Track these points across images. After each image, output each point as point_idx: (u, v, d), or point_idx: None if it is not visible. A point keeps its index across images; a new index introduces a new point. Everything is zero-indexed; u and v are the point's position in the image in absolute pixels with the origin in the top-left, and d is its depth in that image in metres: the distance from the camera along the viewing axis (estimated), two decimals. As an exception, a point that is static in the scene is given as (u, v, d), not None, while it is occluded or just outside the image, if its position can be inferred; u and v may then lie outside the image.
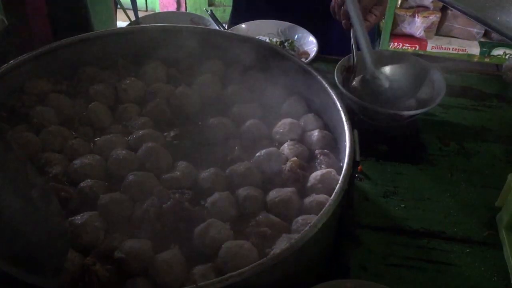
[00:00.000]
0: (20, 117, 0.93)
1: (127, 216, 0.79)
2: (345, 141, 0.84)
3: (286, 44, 1.30)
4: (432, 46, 3.50)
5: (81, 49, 1.05)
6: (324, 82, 0.94)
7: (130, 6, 1.31)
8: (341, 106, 0.88)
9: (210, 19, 1.35)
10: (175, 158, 0.90)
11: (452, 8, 1.54)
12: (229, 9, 1.64)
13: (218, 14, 4.06)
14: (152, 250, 0.74)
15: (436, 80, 1.13)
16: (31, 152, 0.86)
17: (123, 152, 0.87)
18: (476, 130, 1.15)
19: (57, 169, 0.82)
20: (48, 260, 0.57)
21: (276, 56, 1.04)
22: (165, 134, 0.96)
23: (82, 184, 0.82)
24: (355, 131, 0.85)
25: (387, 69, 1.11)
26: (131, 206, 0.80)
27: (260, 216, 0.80)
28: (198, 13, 3.90)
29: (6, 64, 0.95)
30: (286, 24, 1.34)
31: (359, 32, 1.08)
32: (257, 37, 1.29)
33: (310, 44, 1.28)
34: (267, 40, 1.30)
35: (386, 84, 1.09)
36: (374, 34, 1.68)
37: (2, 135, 0.86)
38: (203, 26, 1.26)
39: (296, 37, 1.32)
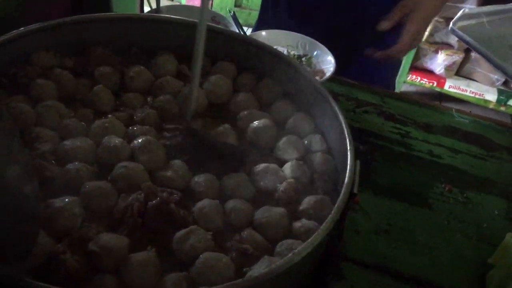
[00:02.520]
0: (20, 87, 0.91)
1: (109, 207, 0.76)
2: (346, 170, 0.81)
3: (303, 59, 1.27)
4: (450, 85, 3.47)
5: (94, 29, 1.02)
6: (334, 106, 0.91)
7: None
8: (347, 134, 0.85)
9: (231, 20, 1.32)
10: (172, 157, 0.87)
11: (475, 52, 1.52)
12: (254, 13, 1.62)
13: (243, 17, 4.07)
14: (127, 248, 0.71)
15: None
16: (24, 125, 0.83)
17: (116, 140, 0.84)
18: (481, 181, 1.12)
19: (46, 146, 0.79)
20: (12, 244, 0.54)
21: (289, 69, 1.01)
22: (167, 128, 0.93)
23: (69, 166, 0.79)
24: (358, 162, 0.82)
25: None
26: (115, 197, 0.77)
27: (245, 232, 0.77)
28: (223, 12, 3.93)
29: (14, 31, 0.92)
30: (307, 38, 1.31)
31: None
32: (275, 47, 1.26)
33: (328, 63, 1.25)
34: (285, 51, 1.27)
35: None
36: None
37: (-4, 102, 0.84)
38: (222, 27, 1.23)
39: (315, 53, 1.29)
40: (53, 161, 0.79)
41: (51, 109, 0.87)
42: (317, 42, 1.30)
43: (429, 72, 3.52)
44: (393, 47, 1.30)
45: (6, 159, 0.60)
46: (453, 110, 1.31)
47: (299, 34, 1.32)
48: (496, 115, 3.59)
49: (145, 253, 0.71)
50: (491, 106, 3.46)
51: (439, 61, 3.42)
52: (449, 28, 1.50)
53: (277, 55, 1.04)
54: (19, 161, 0.62)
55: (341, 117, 0.89)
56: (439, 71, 3.46)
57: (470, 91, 3.45)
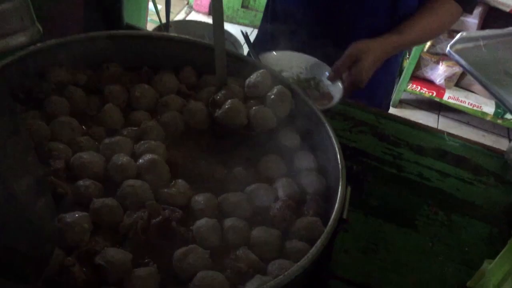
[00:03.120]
0: (35, 101, 0.96)
1: (116, 223, 0.82)
2: (337, 194, 0.87)
3: (312, 82, 1.31)
4: (449, 96, 3.53)
5: (107, 45, 1.07)
6: (330, 132, 0.97)
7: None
8: (340, 161, 0.91)
9: (237, 38, 1.37)
10: (175, 174, 0.93)
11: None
12: (260, 14, 1.64)
13: (249, 18, 4.11)
14: (131, 262, 0.77)
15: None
16: (39, 141, 0.89)
17: (124, 159, 0.89)
18: (466, 205, 1.18)
19: (60, 164, 0.85)
20: (29, 264, 0.60)
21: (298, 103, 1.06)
22: (170, 146, 0.98)
23: (79, 183, 0.85)
24: (349, 189, 0.88)
25: None
26: (121, 214, 0.83)
27: (240, 251, 0.83)
28: (229, 13, 3.98)
29: (31, 47, 0.97)
30: (314, 60, 1.35)
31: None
32: (284, 72, 1.31)
33: (336, 87, 1.29)
34: (294, 77, 1.32)
35: None
36: (395, 72, 1.70)
37: (14, 116, 0.89)
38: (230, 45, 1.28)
39: (323, 75, 1.33)
40: (65, 178, 0.85)
41: (64, 125, 0.93)
42: (325, 64, 1.33)
43: (429, 82, 3.58)
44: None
45: (21, 173, 0.66)
46: (445, 133, 1.36)
47: (309, 56, 1.35)
48: (493, 128, 3.66)
49: (147, 269, 0.77)
50: (488, 118, 3.52)
51: (440, 72, 3.48)
52: (447, 50, 1.56)
53: (277, 77, 1.09)
54: (34, 175, 0.67)
55: (335, 144, 0.95)
56: (439, 81, 3.52)
57: (469, 102, 3.51)
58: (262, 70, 1.06)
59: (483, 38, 1.62)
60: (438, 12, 1.38)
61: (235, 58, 1.11)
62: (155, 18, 1.39)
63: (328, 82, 1.31)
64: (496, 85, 1.49)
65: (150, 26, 2.94)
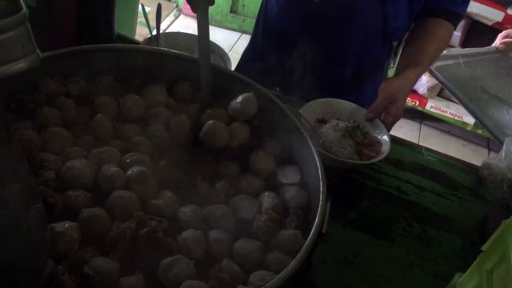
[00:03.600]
0: (27, 111, 0.99)
1: (104, 233, 0.86)
2: (318, 209, 0.91)
3: (359, 132, 1.30)
4: (431, 105, 3.60)
5: (100, 58, 1.10)
6: (313, 148, 1.01)
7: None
8: (321, 177, 0.95)
9: (225, 50, 1.40)
10: (163, 186, 0.96)
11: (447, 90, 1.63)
12: (248, 20, 1.64)
13: (237, 23, 4.12)
14: (118, 272, 0.80)
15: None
16: (30, 151, 0.92)
17: (113, 169, 0.93)
18: (441, 218, 1.23)
19: (51, 174, 0.88)
20: (23, 276, 0.63)
21: (275, 109, 1.10)
22: (157, 160, 1.01)
23: (69, 192, 0.88)
24: (328, 204, 0.92)
25: None
26: (110, 223, 0.86)
27: (224, 262, 0.87)
28: (218, 17, 4.01)
29: (25, 58, 1.00)
30: (352, 106, 1.37)
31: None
32: (329, 121, 1.32)
33: (380, 128, 1.31)
34: (339, 124, 1.30)
35: None
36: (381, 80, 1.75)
37: (6, 126, 0.92)
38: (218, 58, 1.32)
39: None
40: (55, 189, 0.88)
41: (55, 135, 0.95)
42: (363, 109, 1.35)
43: (412, 91, 3.65)
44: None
45: (12, 181, 0.68)
46: (423, 148, 1.41)
47: (347, 101, 1.37)
48: (473, 137, 3.74)
49: (134, 278, 0.80)
50: (469, 128, 3.60)
51: (423, 82, 3.55)
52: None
53: (265, 94, 1.12)
54: (25, 184, 0.70)
55: (318, 162, 0.99)
56: (422, 91, 3.59)
57: (450, 112, 3.59)
58: (247, 94, 1.09)
59: (463, 56, 1.69)
60: (438, 33, 1.44)
61: (221, 73, 1.15)
62: (144, 20, 1.41)
63: (372, 128, 1.33)
64: (473, 102, 1.56)
65: (139, 29, 2.97)
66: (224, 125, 1.06)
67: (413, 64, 1.40)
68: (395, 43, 1.61)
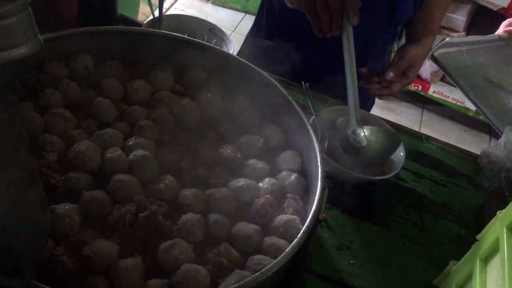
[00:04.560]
0: (32, 93, 1.00)
1: (104, 216, 0.87)
2: (315, 196, 0.92)
3: None
4: (434, 90, 3.59)
5: (103, 40, 1.10)
6: (312, 135, 1.02)
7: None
8: (320, 165, 0.96)
9: (228, 35, 1.40)
10: (164, 170, 0.97)
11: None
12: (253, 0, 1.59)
13: (241, 3, 4.07)
14: (117, 254, 0.82)
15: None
16: (33, 133, 0.92)
17: (116, 153, 0.94)
18: (438, 206, 1.24)
19: (53, 157, 0.89)
20: (23, 259, 0.64)
21: (274, 91, 1.11)
22: (161, 140, 1.02)
23: (71, 174, 0.89)
24: (326, 191, 0.93)
25: (366, 129, 1.19)
26: (110, 207, 0.88)
27: (222, 246, 0.88)
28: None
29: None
30: (366, 113, 1.35)
31: (349, 88, 1.15)
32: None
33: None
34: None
35: (364, 142, 1.18)
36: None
37: (9, 108, 0.92)
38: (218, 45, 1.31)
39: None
40: (58, 170, 0.89)
41: (58, 117, 0.96)
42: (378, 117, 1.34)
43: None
44: (390, 89, 1.42)
45: (11, 164, 0.69)
46: (423, 136, 1.42)
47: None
48: (475, 123, 3.73)
49: (132, 259, 0.82)
50: (470, 114, 3.60)
51: (426, 67, 3.53)
52: (429, 54, 1.61)
53: (271, 84, 1.13)
54: (25, 166, 0.70)
55: (316, 146, 0.99)
56: (425, 75, 3.58)
57: (452, 97, 3.58)
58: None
59: (465, 43, 1.68)
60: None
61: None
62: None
63: None
64: (474, 90, 1.56)
65: (142, 8, 2.95)
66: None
67: (429, 32, 1.46)
68: (399, 28, 1.61)
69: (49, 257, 0.78)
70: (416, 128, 3.54)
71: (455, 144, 1.46)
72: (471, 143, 3.55)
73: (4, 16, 0.56)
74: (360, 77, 1.43)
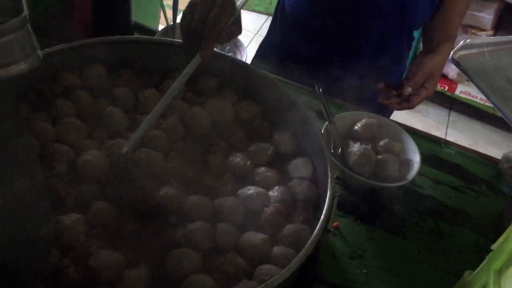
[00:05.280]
0: (45, 103, 1.01)
1: (111, 226, 0.88)
2: (325, 204, 0.91)
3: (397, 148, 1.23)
4: (461, 91, 3.52)
5: (116, 50, 1.11)
6: (323, 143, 1.00)
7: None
8: (330, 172, 0.95)
9: (242, 42, 1.39)
10: (171, 177, 0.97)
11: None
12: (275, 2, 1.60)
13: (263, 6, 4.07)
14: (123, 263, 0.82)
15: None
16: (44, 142, 0.94)
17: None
18: (456, 213, 1.21)
19: (63, 167, 0.90)
20: (26, 266, 0.65)
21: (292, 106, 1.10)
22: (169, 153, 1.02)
23: (81, 185, 0.90)
24: (335, 200, 0.92)
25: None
26: (117, 217, 0.89)
27: (229, 255, 0.88)
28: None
29: (47, 49, 1.02)
30: (393, 125, 1.31)
31: None
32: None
33: (413, 151, 1.22)
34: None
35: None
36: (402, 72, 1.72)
37: (18, 120, 0.94)
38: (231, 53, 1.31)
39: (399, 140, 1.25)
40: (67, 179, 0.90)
41: (69, 126, 0.97)
42: (393, 122, 1.31)
43: (441, 76, 3.57)
44: (410, 103, 1.40)
45: (20, 176, 0.69)
46: (442, 141, 1.39)
47: (387, 119, 1.32)
48: (504, 124, 3.63)
49: (138, 269, 0.82)
50: (499, 114, 3.49)
51: (453, 66, 3.46)
52: (449, 57, 1.57)
53: (279, 88, 1.12)
54: (33, 178, 0.71)
55: (326, 154, 0.98)
56: (452, 75, 3.51)
57: (480, 98, 3.49)
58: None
59: (487, 45, 1.63)
60: (461, 2, 1.45)
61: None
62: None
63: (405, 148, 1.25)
64: (497, 94, 1.51)
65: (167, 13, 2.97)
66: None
67: (447, 38, 1.42)
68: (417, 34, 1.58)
69: (55, 268, 0.79)
70: (442, 130, 3.48)
71: (483, 145, 1.43)
72: (501, 144, 3.47)
73: (1, 33, 0.56)
74: (378, 92, 1.41)
